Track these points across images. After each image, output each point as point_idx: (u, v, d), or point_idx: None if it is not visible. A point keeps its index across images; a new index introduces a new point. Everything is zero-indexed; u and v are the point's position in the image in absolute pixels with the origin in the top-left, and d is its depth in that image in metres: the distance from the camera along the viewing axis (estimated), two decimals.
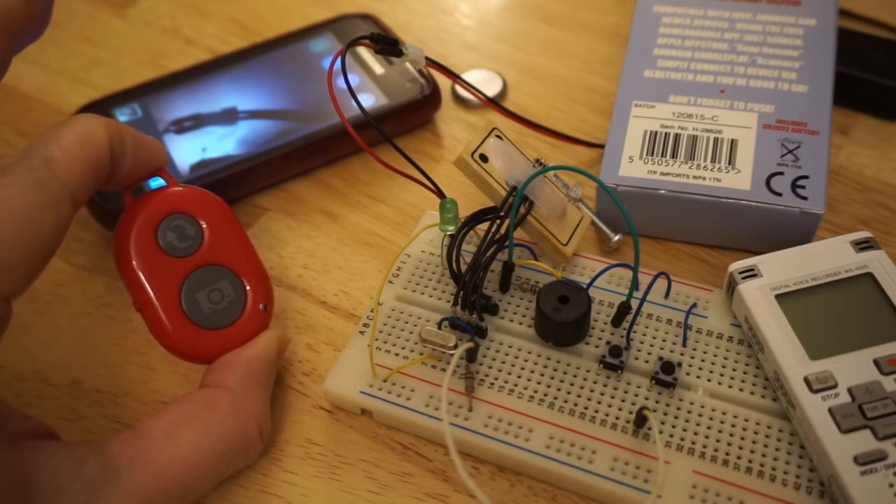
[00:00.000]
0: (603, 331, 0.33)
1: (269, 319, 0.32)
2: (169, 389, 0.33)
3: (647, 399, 0.31)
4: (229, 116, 0.41)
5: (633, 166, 0.35)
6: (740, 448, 0.29)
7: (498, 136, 0.35)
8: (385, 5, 0.50)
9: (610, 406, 0.30)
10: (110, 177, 0.29)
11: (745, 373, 0.31)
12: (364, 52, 0.43)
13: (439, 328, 0.32)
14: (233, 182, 0.39)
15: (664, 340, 0.32)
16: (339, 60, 0.34)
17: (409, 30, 0.48)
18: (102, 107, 0.41)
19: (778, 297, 0.31)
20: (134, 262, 0.30)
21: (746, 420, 0.30)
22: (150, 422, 0.28)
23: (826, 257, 0.32)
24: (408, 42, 0.36)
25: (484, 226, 0.33)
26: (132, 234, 0.30)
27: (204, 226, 0.31)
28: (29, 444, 0.26)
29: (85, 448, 0.26)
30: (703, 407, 0.30)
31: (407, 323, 0.33)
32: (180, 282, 0.30)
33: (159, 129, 0.41)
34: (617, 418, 0.30)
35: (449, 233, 0.33)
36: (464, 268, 0.32)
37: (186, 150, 0.40)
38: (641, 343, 0.32)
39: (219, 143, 0.40)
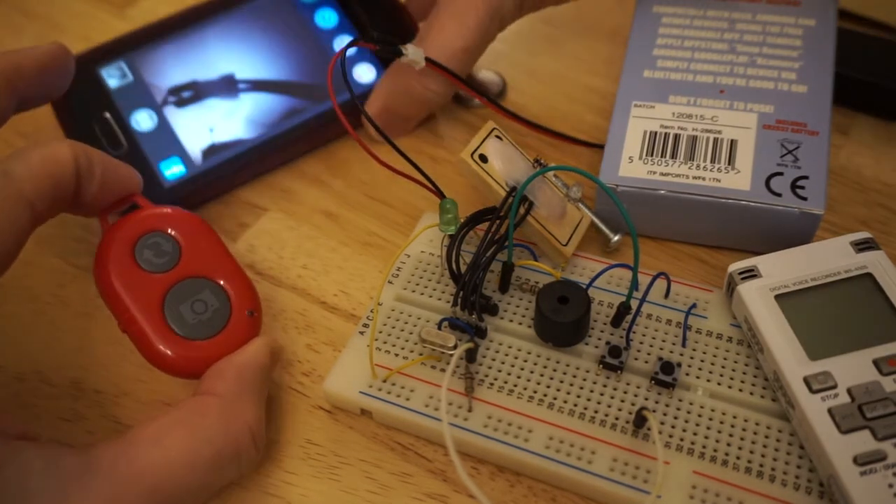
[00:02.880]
0: (602, 331, 0.33)
1: (259, 326, 0.32)
2: (168, 390, 0.33)
3: (646, 399, 0.31)
4: (229, 87, 0.40)
5: (632, 166, 0.36)
6: (740, 448, 0.29)
7: (498, 137, 0.35)
8: None
9: (609, 406, 0.31)
10: (79, 197, 0.30)
11: (744, 373, 0.31)
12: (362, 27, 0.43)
13: (439, 328, 0.32)
14: (246, 167, 0.39)
15: (664, 341, 0.32)
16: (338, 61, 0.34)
17: None
18: (86, 63, 0.39)
19: (777, 297, 0.31)
20: (113, 282, 0.30)
21: (746, 420, 0.30)
22: (138, 429, 0.28)
23: (826, 257, 0.32)
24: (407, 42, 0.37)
25: (484, 226, 0.33)
26: (110, 257, 0.31)
27: (180, 241, 0.32)
28: None
29: (61, 449, 0.26)
30: (702, 407, 0.30)
31: (407, 323, 0.33)
32: (161, 296, 0.31)
33: (157, 99, 0.39)
34: (616, 418, 0.30)
35: (449, 233, 0.33)
36: (463, 268, 0.33)
37: (194, 132, 0.39)
38: (641, 343, 0.32)
39: (225, 123, 0.39)
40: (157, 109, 0.39)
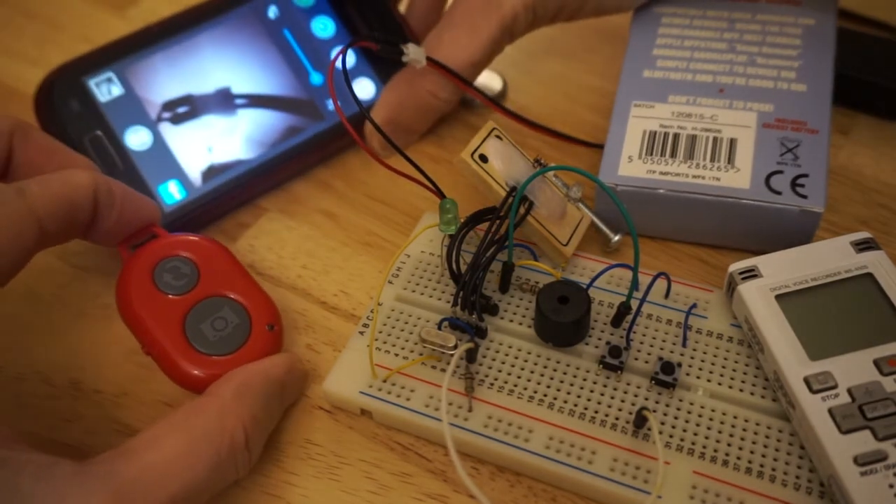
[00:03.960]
0: (603, 331, 0.33)
1: (280, 339, 0.33)
2: (169, 390, 0.33)
3: (646, 399, 0.31)
4: (226, 102, 0.39)
5: (632, 166, 0.35)
6: (740, 448, 0.29)
7: (498, 137, 0.35)
8: None
9: (610, 406, 0.30)
10: (97, 226, 0.31)
11: (744, 373, 0.31)
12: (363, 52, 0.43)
13: (439, 328, 0.32)
14: (245, 189, 0.39)
15: (664, 341, 0.32)
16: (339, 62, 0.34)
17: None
18: (71, 73, 0.37)
19: (778, 297, 0.31)
20: (135, 308, 0.31)
21: (746, 420, 0.30)
22: (134, 438, 0.27)
23: (826, 257, 0.32)
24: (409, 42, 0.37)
25: (484, 226, 0.33)
26: (131, 284, 0.32)
27: (197, 262, 0.33)
28: None
29: (57, 458, 0.26)
30: (702, 407, 0.30)
31: (407, 323, 0.33)
32: (182, 317, 0.31)
33: (151, 115, 0.38)
34: (617, 419, 0.30)
35: (449, 233, 0.33)
36: (463, 268, 0.33)
37: (192, 152, 0.38)
38: (641, 343, 0.32)
39: (224, 142, 0.39)
40: (152, 126, 0.38)
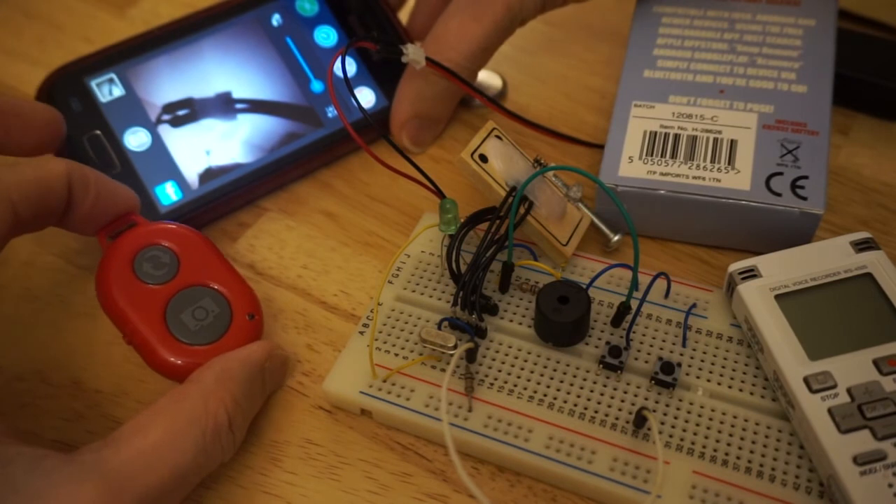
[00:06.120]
0: (603, 331, 0.33)
1: (260, 328, 0.33)
2: (168, 390, 0.33)
3: (646, 399, 0.31)
4: (226, 106, 0.39)
5: (632, 166, 0.36)
6: (740, 448, 0.29)
7: (498, 137, 0.35)
8: None
9: (609, 406, 0.31)
10: (73, 213, 0.31)
11: (744, 373, 0.31)
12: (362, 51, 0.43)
13: (439, 328, 0.32)
14: (242, 192, 0.38)
15: (664, 341, 0.32)
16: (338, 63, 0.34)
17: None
18: (74, 73, 0.38)
19: (777, 297, 0.31)
20: (115, 298, 0.31)
21: (746, 420, 0.30)
22: (120, 427, 0.28)
23: (826, 257, 0.32)
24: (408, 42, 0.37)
25: (484, 226, 0.33)
26: (110, 273, 0.32)
27: (177, 252, 0.33)
28: None
29: (46, 450, 0.26)
30: (702, 407, 0.30)
31: (407, 323, 0.33)
32: (163, 306, 0.31)
33: (150, 116, 0.38)
34: (616, 418, 0.30)
35: (449, 233, 0.33)
36: (463, 268, 0.33)
37: (190, 154, 0.38)
38: (641, 343, 0.32)
39: (222, 146, 0.39)
40: (151, 128, 0.38)
